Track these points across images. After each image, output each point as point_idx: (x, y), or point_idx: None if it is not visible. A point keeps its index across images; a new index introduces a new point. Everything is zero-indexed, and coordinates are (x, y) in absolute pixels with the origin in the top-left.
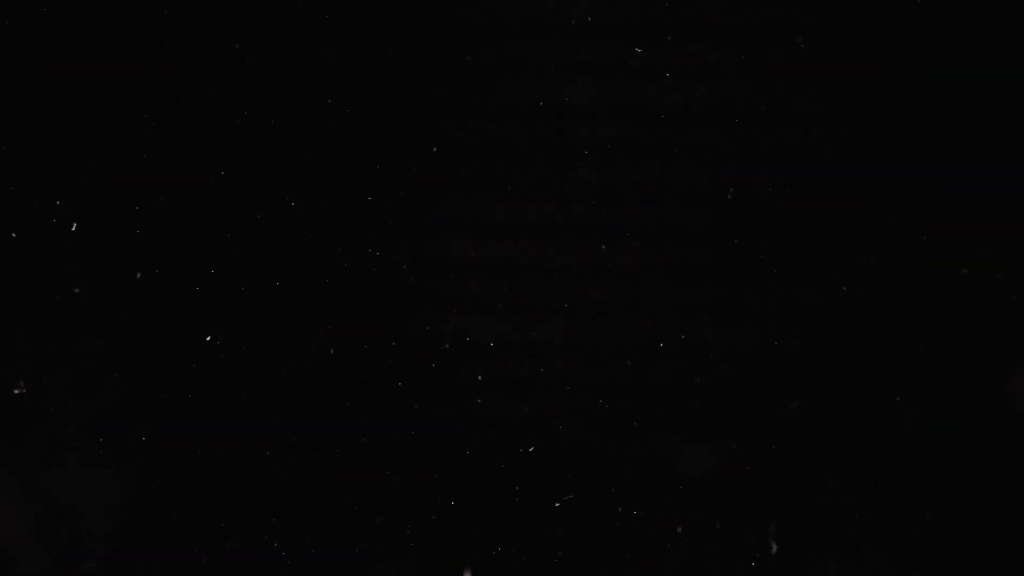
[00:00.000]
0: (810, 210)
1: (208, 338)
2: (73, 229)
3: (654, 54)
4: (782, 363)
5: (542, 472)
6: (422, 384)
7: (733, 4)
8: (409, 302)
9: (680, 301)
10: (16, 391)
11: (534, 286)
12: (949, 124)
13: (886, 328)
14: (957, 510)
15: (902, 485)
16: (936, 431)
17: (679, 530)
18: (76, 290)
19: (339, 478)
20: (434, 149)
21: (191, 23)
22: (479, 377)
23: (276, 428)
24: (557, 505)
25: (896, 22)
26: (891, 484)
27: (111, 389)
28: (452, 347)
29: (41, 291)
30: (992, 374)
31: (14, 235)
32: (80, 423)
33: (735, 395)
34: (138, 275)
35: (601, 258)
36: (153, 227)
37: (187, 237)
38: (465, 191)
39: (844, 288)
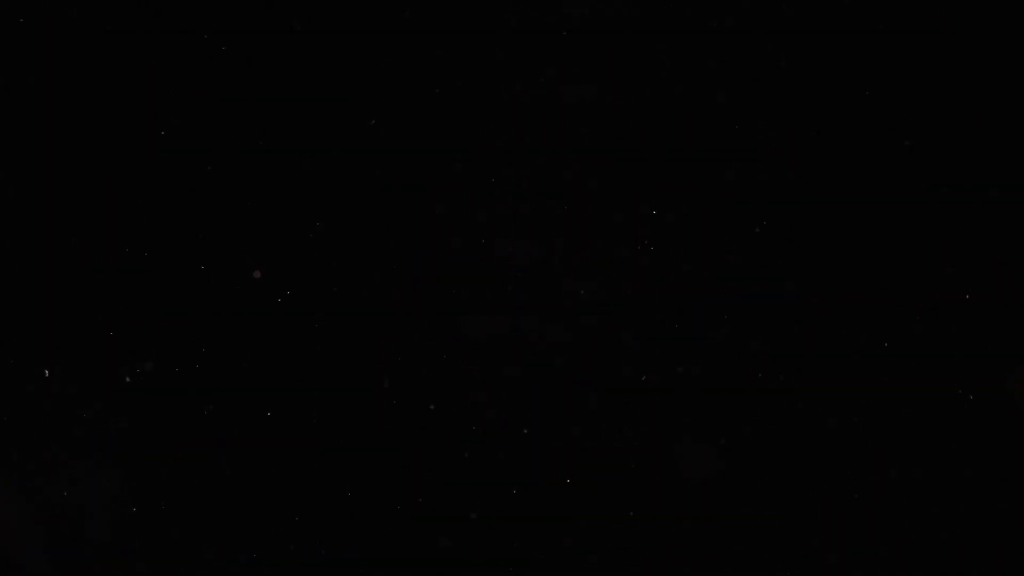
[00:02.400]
0: (811, 211)
1: (208, 339)
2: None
3: (654, 54)
4: (781, 364)
5: (542, 472)
6: (420, 383)
7: (732, 5)
8: (409, 302)
9: (679, 301)
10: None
11: (534, 286)
12: (949, 126)
13: (887, 329)
14: (957, 510)
15: (902, 485)
16: (936, 431)
17: (679, 530)
18: (82, 293)
19: (338, 477)
20: (435, 150)
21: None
22: (478, 376)
23: (275, 428)
24: (557, 505)
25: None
26: (891, 484)
27: (113, 392)
28: (453, 347)
29: (44, 294)
30: (992, 374)
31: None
32: (82, 427)
33: (735, 395)
34: (139, 268)
35: (601, 258)
36: (159, 219)
37: (197, 226)
38: (467, 191)
39: (844, 288)
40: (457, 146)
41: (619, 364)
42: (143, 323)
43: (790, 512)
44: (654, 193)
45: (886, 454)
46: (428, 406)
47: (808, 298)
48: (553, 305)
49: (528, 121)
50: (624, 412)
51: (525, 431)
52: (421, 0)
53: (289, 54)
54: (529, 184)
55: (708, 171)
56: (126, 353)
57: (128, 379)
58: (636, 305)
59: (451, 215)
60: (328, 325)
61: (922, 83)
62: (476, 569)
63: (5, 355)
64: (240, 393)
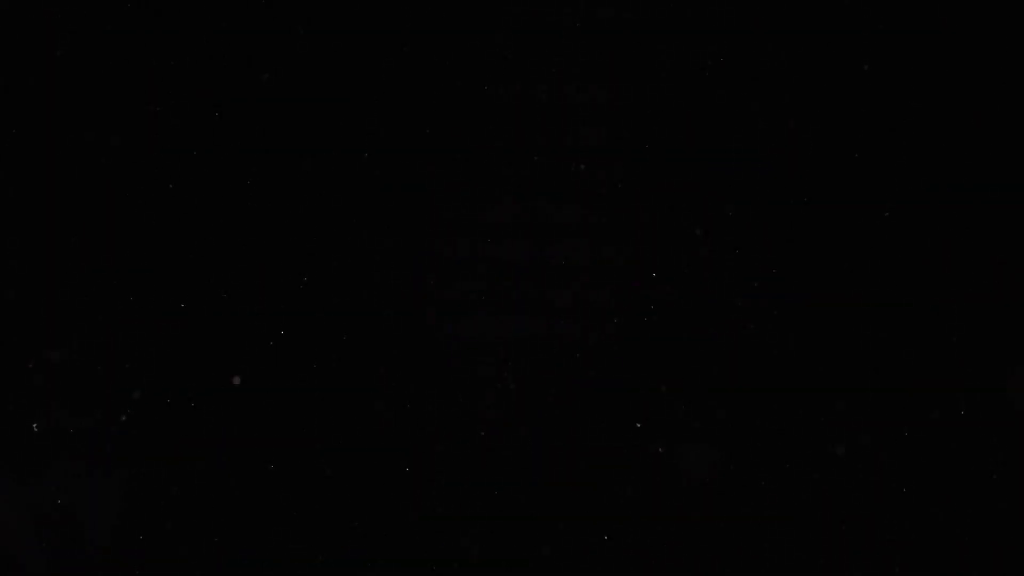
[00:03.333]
0: (811, 211)
1: (206, 340)
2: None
3: (654, 54)
4: (781, 364)
5: (542, 472)
6: (421, 384)
7: (732, 5)
8: (409, 302)
9: (679, 301)
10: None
11: (533, 286)
12: (949, 126)
13: (887, 329)
14: (958, 510)
15: (902, 485)
16: (937, 431)
17: (679, 530)
18: (86, 294)
19: (336, 476)
20: (435, 150)
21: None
22: (479, 377)
23: (275, 429)
24: (557, 505)
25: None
26: (891, 484)
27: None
28: (452, 347)
29: (46, 294)
30: (992, 374)
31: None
32: (81, 429)
33: (736, 396)
34: (139, 270)
35: (601, 258)
36: (158, 224)
37: (195, 231)
38: (466, 191)
39: (844, 289)
40: (457, 146)
41: (619, 364)
42: (143, 321)
43: (790, 512)
44: (654, 193)
45: (886, 454)
46: (427, 407)
47: (808, 298)
48: (553, 305)
49: (528, 121)
50: (624, 412)
51: (525, 431)
52: (421, 0)
53: (289, 54)
54: (529, 184)
55: (708, 171)
56: (125, 357)
57: (132, 397)
58: (637, 305)
59: (451, 215)
60: (327, 325)
61: (923, 83)
62: (476, 569)
63: (5, 357)
64: (240, 393)
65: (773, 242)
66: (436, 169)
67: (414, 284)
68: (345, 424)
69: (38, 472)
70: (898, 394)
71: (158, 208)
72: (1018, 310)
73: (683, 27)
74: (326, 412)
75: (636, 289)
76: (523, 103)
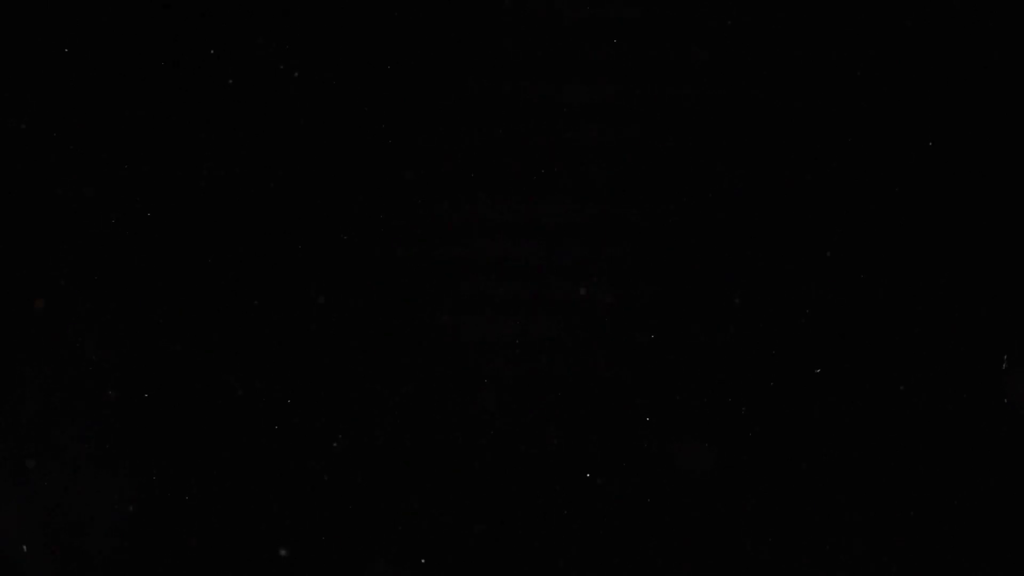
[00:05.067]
0: (809, 208)
1: (206, 340)
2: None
3: (654, 54)
4: (780, 363)
5: (541, 471)
6: (422, 384)
7: (731, 5)
8: (409, 302)
9: (678, 301)
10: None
11: (534, 286)
12: (949, 125)
13: (886, 328)
14: (958, 510)
15: (902, 485)
16: (936, 431)
17: (678, 528)
18: (80, 295)
19: (337, 477)
20: (435, 150)
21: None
22: (479, 377)
23: (275, 428)
24: (557, 503)
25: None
26: (890, 484)
27: (112, 394)
28: (452, 347)
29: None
30: (992, 374)
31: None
32: (82, 428)
33: (735, 395)
34: (136, 273)
35: (601, 258)
36: (154, 223)
37: (188, 233)
38: (466, 191)
39: (843, 288)
40: (457, 146)
41: (618, 364)
42: (144, 320)
43: (789, 512)
44: (654, 193)
45: (885, 454)
46: (426, 406)
47: (808, 297)
48: (553, 305)
49: (528, 121)
50: (624, 412)
51: (524, 430)
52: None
53: (288, 53)
54: (529, 183)
55: (708, 171)
56: (127, 356)
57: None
58: (637, 305)
59: (451, 215)
60: (327, 325)
61: (923, 82)
62: (475, 568)
63: (5, 356)
64: (241, 392)
65: (772, 241)
66: (435, 169)
67: (414, 284)
68: (345, 424)
69: (38, 472)
70: (898, 393)
71: (158, 209)
72: (1018, 310)
73: (683, 27)
74: (326, 412)
75: (636, 289)
76: (523, 103)
